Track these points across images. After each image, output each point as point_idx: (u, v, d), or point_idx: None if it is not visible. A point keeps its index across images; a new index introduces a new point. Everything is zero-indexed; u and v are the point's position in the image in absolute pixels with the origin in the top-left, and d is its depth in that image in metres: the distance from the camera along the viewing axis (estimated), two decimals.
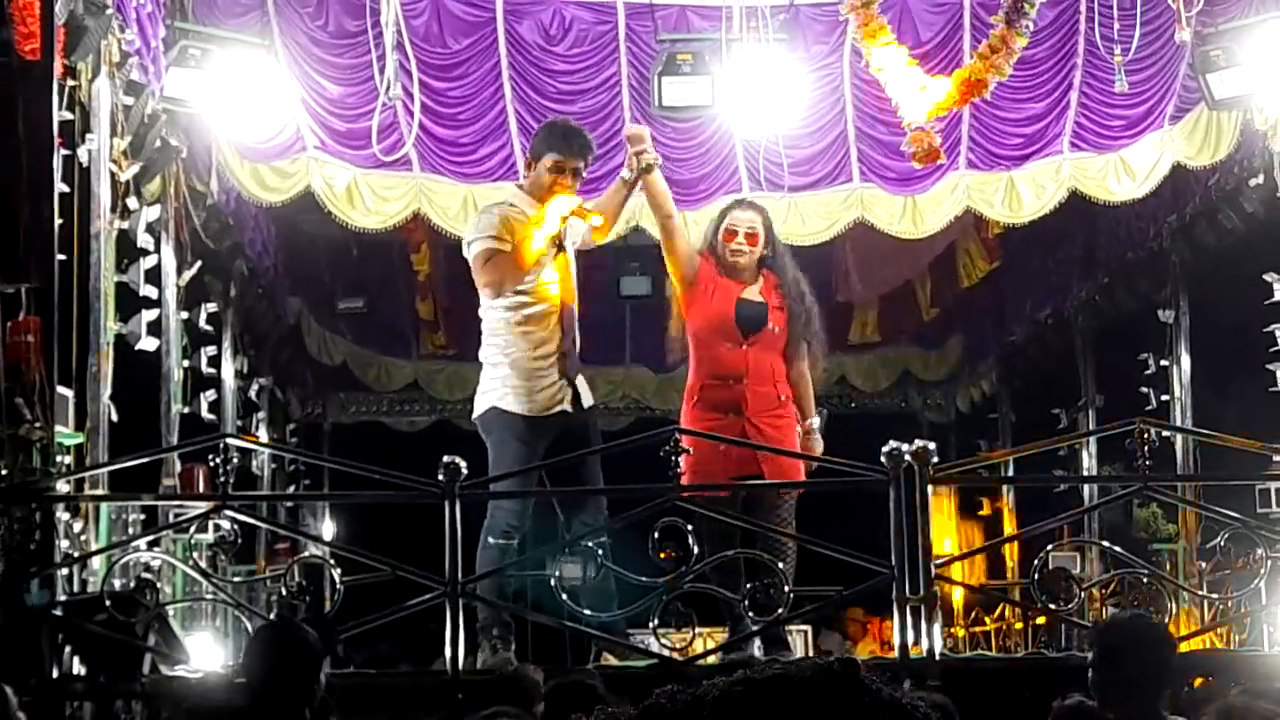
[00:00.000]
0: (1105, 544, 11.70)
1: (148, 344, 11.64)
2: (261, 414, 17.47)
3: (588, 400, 9.43)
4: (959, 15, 13.11)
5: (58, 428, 8.99)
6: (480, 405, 9.36)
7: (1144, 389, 16.20)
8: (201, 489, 12.03)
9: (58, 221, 9.34)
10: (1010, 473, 16.76)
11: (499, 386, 9.23)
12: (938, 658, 8.30)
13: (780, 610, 8.62)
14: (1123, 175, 13.40)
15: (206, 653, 10.47)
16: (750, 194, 13.60)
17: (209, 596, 10.01)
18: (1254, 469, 11.50)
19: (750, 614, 8.67)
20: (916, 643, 8.26)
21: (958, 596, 18.29)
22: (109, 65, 10.63)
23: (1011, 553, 18.22)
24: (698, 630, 8.70)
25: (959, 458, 15.72)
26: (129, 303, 11.37)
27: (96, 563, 9.42)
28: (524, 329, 9.21)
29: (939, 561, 8.70)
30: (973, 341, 20.92)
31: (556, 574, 8.55)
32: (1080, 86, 13.23)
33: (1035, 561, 8.74)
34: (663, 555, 8.42)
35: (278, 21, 12.52)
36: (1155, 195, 13.80)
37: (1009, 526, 19.59)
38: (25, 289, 8.92)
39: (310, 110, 12.76)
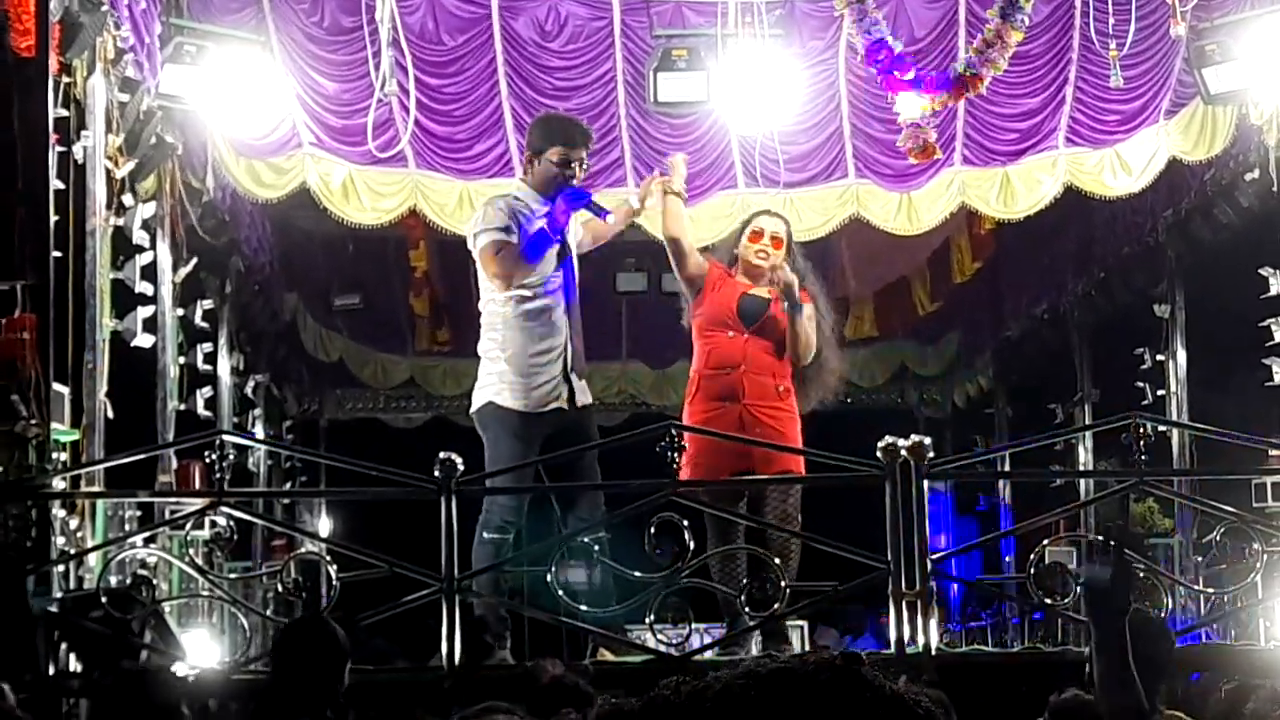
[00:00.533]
0: (1101, 539, 11.69)
1: (143, 341, 11.64)
2: (258, 410, 17.47)
3: (585, 399, 9.41)
4: (954, 11, 13.10)
5: (53, 425, 9.00)
6: (477, 400, 9.35)
7: (1140, 384, 16.20)
8: (198, 485, 12.03)
9: (53, 218, 9.35)
10: (1006, 467, 16.76)
11: (496, 381, 9.20)
12: (934, 653, 8.31)
13: (777, 605, 8.62)
14: (1118, 170, 13.41)
15: (203, 649, 10.47)
16: (746, 190, 13.66)
17: (205, 593, 10.01)
18: (1250, 463, 11.51)
19: (747, 609, 8.68)
20: (913, 638, 8.27)
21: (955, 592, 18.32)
22: (104, 62, 10.61)
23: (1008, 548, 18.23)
24: (694, 625, 8.71)
25: (955, 453, 15.73)
26: (125, 299, 11.36)
27: (93, 559, 9.41)
28: (524, 323, 9.18)
29: (935, 556, 8.72)
30: (969, 337, 20.92)
31: (558, 577, 8.55)
32: (1075, 81, 13.23)
33: (1032, 556, 8.74)
34: (657, 551, 8.44)
35: (273, 18, 12.52)
36: (1151, 190, 13.81)
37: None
38: (21, 286, 8.92)
39: (306, 106, 12.76)
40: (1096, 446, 17.28)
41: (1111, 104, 13.21)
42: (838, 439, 9.85)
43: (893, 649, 8.36)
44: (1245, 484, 12.32)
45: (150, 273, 11.80)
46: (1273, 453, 11.49)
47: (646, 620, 8.52)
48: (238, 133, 12.62)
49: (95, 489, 9.86)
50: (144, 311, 11.58)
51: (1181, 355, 15.89)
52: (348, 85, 12.78)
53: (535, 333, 9.18)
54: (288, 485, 18.52)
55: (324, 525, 19.07)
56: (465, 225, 10.09)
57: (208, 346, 14.21)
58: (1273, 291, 13.08)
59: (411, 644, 10.37)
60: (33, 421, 8.70)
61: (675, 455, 8.41)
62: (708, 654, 8.80)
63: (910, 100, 12.01)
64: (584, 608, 8.66)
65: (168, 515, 10.67)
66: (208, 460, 8.69)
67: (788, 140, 13.41)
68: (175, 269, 12.65)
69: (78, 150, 10.36)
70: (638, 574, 8.57)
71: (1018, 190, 13.65)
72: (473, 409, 9.40)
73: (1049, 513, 10.09)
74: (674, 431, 8.53)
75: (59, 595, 8.72)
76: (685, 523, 8.44)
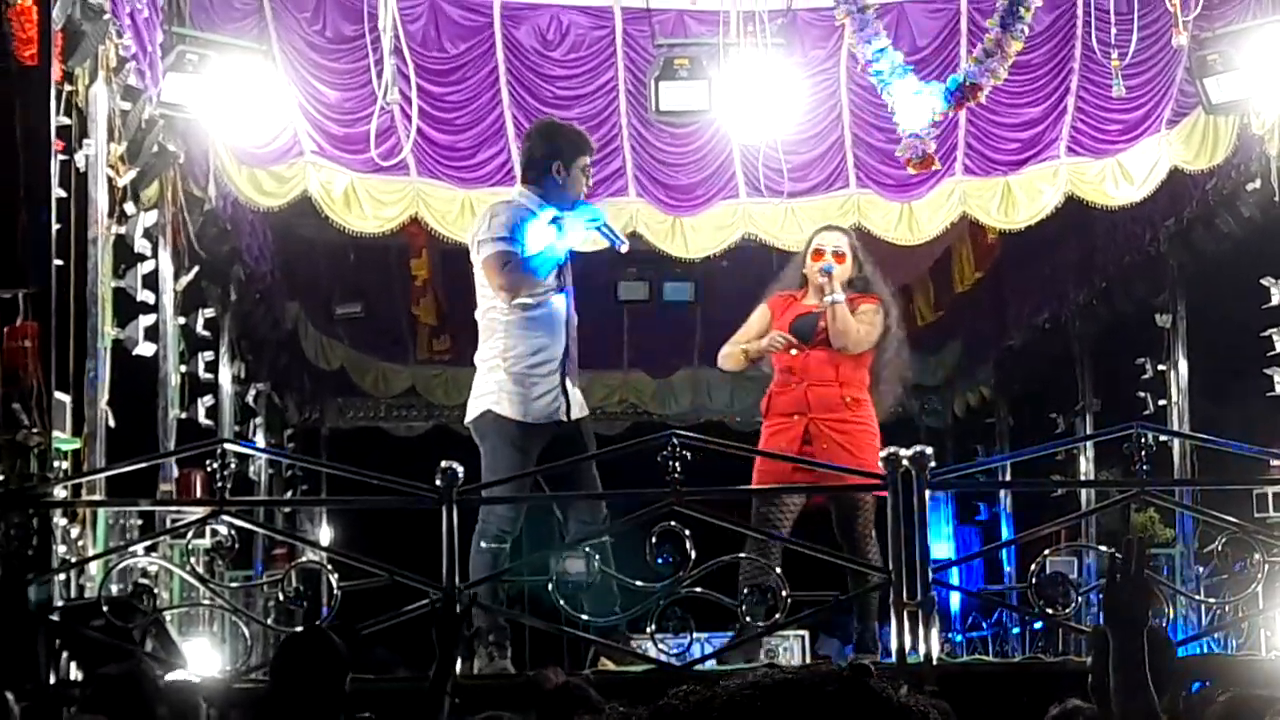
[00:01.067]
0: (1103, 548, 11.69)
1: (145, 349, 11.63)
2: (259, 419, 17.46)
3: (581, 411, 9.31)
4: (955, 20, 13.12)
5: (55, 433, 9.00)
6: (474, 409, 9.21)
7: (1141, 393, 16.19)
8: (199, 494, 12.02)
9: (55, 227, 9.35)
10: (1008, 477, 16.76)
11: (495, 390, 9.07)
12: (935, 662, 8.31)
13: (778, 615, 8.63)
14: (1120, 179, 13.40)
15: (204, 658, 10.47)
16: (747, 199, 13.67)
17: (206, 602, 10.01)
18: (1251, 474, 11.51)
19: (749, 619, 8.68)
20: (914, 647, 8.26)
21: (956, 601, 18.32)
22: (106, 70, 10.62)
23: (1008, 558, 18.21)
24: (695, 635, 8.70)
25: (956, 463, 15.73)
26: (126, 308, 11.36)
27: (94, 568, 9.41)
28: (525, 332, 9.05)
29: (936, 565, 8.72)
30: (970, 346, 20.90)
31: (557, 571, 8.53)
32: (1077, 91, 13.23)
33: (1033, 566, 8.74)
34: (659, 561, 8.44)
35: (275, 26, 12.53)
36: (1152, 200, 13.79)
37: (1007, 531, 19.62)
38: (23, 294, 8.92)
39: (307, 115, 12.76)
40: (1098, 456, 17.28)
41: (1113, 113, 13.21)
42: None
43: (894, 659, 8.35)
44: (1246, 494, 12.34)
45: (152, 281, 11.80)
46: (1274, 463, 11.50)
47: (648, 629, 8.52)
48: (239, 141, 12.63)
49: (96, 498, 9.85)
50: (145, 320, 11.57)
51: (1183, 365, 15.89)
52: (349, 93, 12.78)
53: (536, 340, 9.06)
54: (289, 494, 18.51)
55: (325, 534, 19.09)
56: (467, 233, 10.01)
57: (209, 355, 14.20)
58: (1274, 301, 13.08)
59: (413, 653, 10.36)
60: (34, 430, 8.69)
61: (676, 465, 8.40)
62: (709, 663, 8.80)
63: (911, 110, 12.02)
64: (584, 616, 8.65)
65: (169, 524, 10.66)
66: (209, 469, 8.68)
67: (789, 149, 13.42)
68: (177, 277, 12.64)
69: (80, 158, 10.37)
70: (639, 583, 8.56)
71: (1019, 200, 13.65)
72: (469, 418, 9.28)
73: (1050, 522, 10.09)
74: (675, 441, 8.51)
75: (60, 603, 8.72)
76: (687, 532, 8.45)
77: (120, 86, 10.88)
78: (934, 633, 8.31)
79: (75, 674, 8.44)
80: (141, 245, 11.47)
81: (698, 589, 8.61)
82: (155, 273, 11.97)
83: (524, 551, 9.17)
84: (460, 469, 8.45)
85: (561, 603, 8.50)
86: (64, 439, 9.37)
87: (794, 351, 9.71)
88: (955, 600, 18.28)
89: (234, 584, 11.30)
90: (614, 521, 8.96)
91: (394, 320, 19.79)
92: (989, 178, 13.65)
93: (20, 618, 8.31)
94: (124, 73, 10.84)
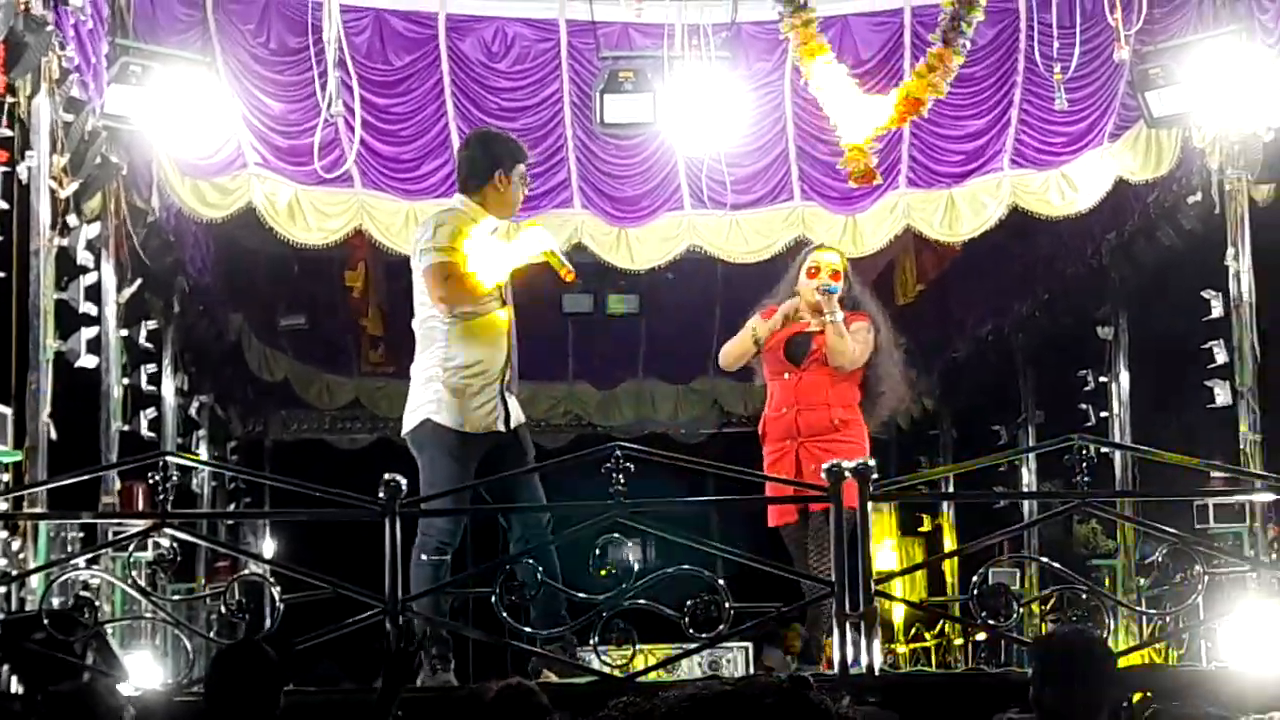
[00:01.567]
0: (1045, 560, 11.73)
1: (87, 361, 11.57)
2: (202, 431, 17.40)
3: (519, 419, 9.18)
4: (899, 33, 13.17)
5: None
6: (411, 420, 8.96)
7: (1083, 405, 16.27)
8: (141, 507, 11.97)
9: None
10: (951, 489, 16.80)
11: (432, 400, 8.84)
12: (878, 673, 8.31)
13: (722, 626, 8.62)
14: (1065, 189, 13.45)
15: (146, 671, 10.42)
16: (692, 211, 13.69)
17: (148, 615, 9.95)
18: (1192, 485, 11.57)
19: (691, 630, 8.66)
20: (856, 659, 8.27)
21: (898, 613, 18.35)
22: (49, 82, 10.56)
23: (952, 569, 18.26)
24: (638, 646, 8.68)
25: (899, 474, 15.76)
26: (69, 320, 11.30)
27: (35, 581, 9.35)
28: (465, 342, 8.85)
29: (879, 578, 8.74)
30: (913, 358, 20.93)
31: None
32: (1020, 104, 13.29)
33: (975, 577, 8.76)
34: (603, 573, 8.43)
35: (219, 39, 12.51)
36: (1094, 212, 13.84)
37: (950, 542, 19.68)
38: None
39: (251, 127, 12.73)
40: (1040, 468, 17.36)
41: (1056, 126, 13.27)
42: None
43: (836, 670, 8.35)
44: (1187, 506, 12.39)
45: (94, 293, 11.75)
46: (1214, 475, 11.56)
47: (591, 641, 8.50)
48: (183, 153, 12.59)
49: (38, 510, 9.81)
50: (88, 332, 11.52)
51: (1124, 377, 15.98)
52: (294, 105, 12.76)
53: (477, 351, 8.85)
54: (232, 506, 18.47)
55: (268, 546, 19.05)
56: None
57: (152, 367, 14.12)
58: (1215, 314, 13.15)
59: (356, 666, 10.34)
60: None
61: (620, 476, 8.39)
62: (652, 675, 8.81)
63: (852, 123, 12.04)
64: (528, 629, 8.63)
65: (111, 536, 10.61)
66: (151, 481, 8.62)
67: (734, 162, 13.44)
68: (120, 289, 12.58)
69: (22, 170, 10.32)
70: (582, 595, 8.55)
71: (963, 212, 13.69)
72: (405, 429, 9.01)
73: (992, 534, 10.11)
74: (619, 453, 8.50)
75: (1, 617, 8.67)
76: (630, 543, 8.45)
77: (63, 98, 10.82)
78: (876, 644, 8.32)
79: (16, 688, 8.38)
80: (84, 257, 11.41)
81: (641, 600, 8.59)
82: (98, 285, 11.91)
83: (469, 563, 9.12)
84: (404, 481, 8.41)
85: (504, 615, 8.46)
86: (5, 451, 9.33)
87: (787, 375, 9.75)
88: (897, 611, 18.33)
89: (176, 597, 11.26)
90: (559, 533, 8.94)
91: (338, 332, 19.76)
92: (932, 190, 13.70)
93: None
94: (67, 84, 10.78)
